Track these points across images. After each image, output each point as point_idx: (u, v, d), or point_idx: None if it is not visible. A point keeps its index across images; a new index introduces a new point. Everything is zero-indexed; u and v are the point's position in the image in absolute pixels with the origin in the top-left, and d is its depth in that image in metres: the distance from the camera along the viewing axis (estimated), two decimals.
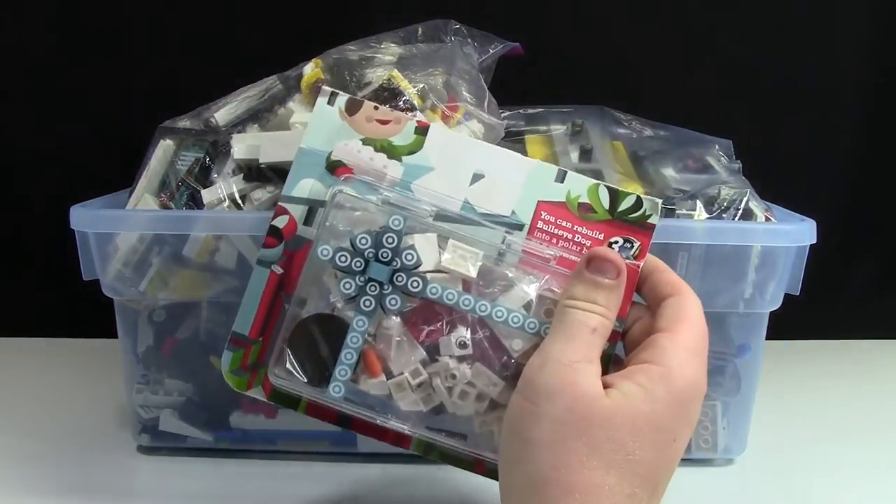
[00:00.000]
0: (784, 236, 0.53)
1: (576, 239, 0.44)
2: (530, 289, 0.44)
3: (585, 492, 0.36)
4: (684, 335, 0.40)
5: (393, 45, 0.60)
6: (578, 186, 0.45)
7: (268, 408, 0.57)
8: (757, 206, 0.58)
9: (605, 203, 0.44)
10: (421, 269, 0.43)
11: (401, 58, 0.58)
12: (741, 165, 0.63)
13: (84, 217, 0.54)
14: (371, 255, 0.43)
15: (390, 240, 0.43)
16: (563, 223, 0.44)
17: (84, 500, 0.54)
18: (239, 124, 0.58)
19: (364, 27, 0.61)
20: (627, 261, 0.43)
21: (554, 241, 0.44)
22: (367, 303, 0.43)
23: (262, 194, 0.55)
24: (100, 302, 0.57)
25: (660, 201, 0.44)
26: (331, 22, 0.79)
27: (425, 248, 0.44)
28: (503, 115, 0.58)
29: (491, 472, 0.45)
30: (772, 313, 0.57)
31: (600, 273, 0.41)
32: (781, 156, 0.83)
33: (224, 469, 0.57)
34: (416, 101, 0.53)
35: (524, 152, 0.62)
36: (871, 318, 0.88)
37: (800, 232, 0.53)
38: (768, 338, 0.58)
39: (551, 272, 0.44)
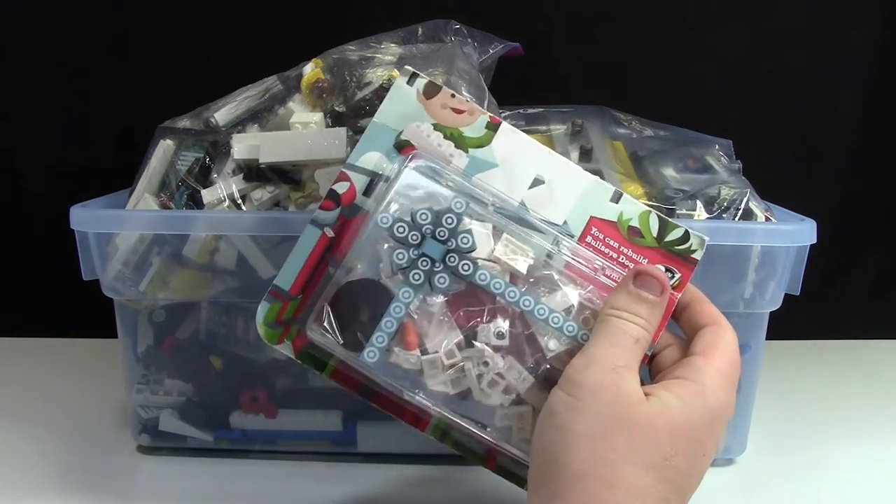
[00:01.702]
0: (784, 236, 0.53)
1: (620, 259, 0.45)
2: (573, 295, 0.44)
3: (627, 489, 0.37)
4: (718, 359, 0.42)
5: (393, 45, 0.60)
6: (631, 209, 0.46)
7: (268, 408, 0.57)
8: (757, 206, 0.58)
9: (654, 231, 0.45)
10: (474, 254, 0.44)
11: (401, 58, 0.58)
12: (741, 165, 0.63)
13: (84, 217, 0.54)
14: (429, 231, 0.44)
15: (450, 220, 0.44)
16: (611, 242, 0.45)
17: (84, 500, 0.54)
18: (239, 124, 0.58)
19: (364, 27, 0.61)
20: None
21: (599, 256, 0.45)
22: (417, 276, 0.44)
23: (262, 194, 0.55)
24: (100, 302, 0.57)
25: (707, 238, 0.45)
26: (331, 22, 0.79)
27: (480, 237, 0.44)
28: (503, 115, 0.58)
29: (501, 469, 0.46)
30: (772, 313, 0.57)
31: (646, 288, 0.42)
32: (781, 156, 0.83)
33: (224, 469, 0.57)
34: None
35: None
36: (871, 318, 0.88)
37: (800, 232, 0.53)
38: (768, 338, 0.58)
39: (596, 283, 0.45)
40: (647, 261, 0.45)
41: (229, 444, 0.59)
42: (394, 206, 0.45)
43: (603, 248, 0.45)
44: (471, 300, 0.44)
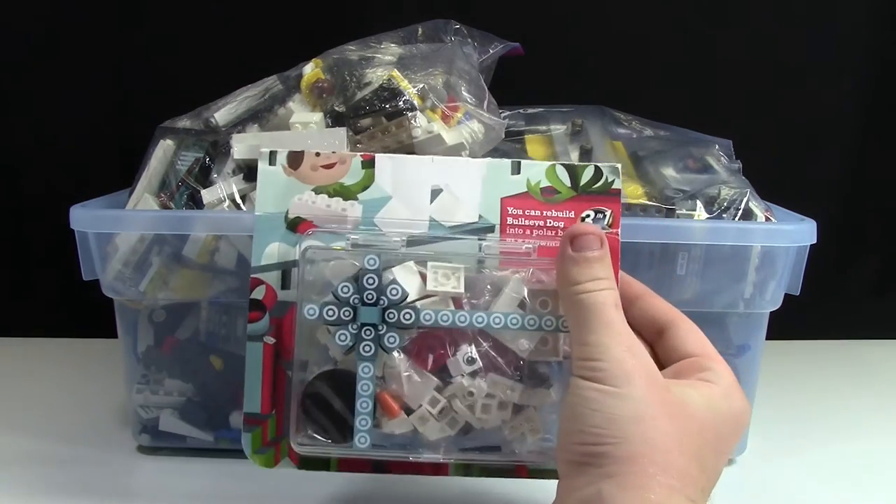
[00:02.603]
0: (784, 236, 0.53)
1: (548, 224, 0.44)
2: (519, 286, 0.44)
3: (679, 474, 0.36)
4: (725, 366, 0.42)
5: (393, 45, 0.60)
6: (536, 172, 0.45)
7: None
8: (757, 206, 0.58)
9: (566, 181, 0.45)
10: (408, 299, 0.43)
11: (401, 58, 0.58)
12: (741, 165, 0.63)
13: (84, 217, 0.54)
14: (357, 301, 0.43)
15: (371, 281, 0.43)
16: (532, 212, 0.45)
17: (84, 500, 0.54)
18: (239, 124, 0.58)
19: (364, 27, 0.61)
20: (604, 230, 0.44)
21: (528, 232, 0.44)
22: (367, 348, 0.43)
23: None
24: (100, 302, 0.57)
25: (619, 165, 0.45)
26: (331, 22, 0.79)
27: (407, 278, 0.44)
28: (503, 115, 0.58)
29: (533, 472, 0.45)
30: (772, 313, 0.57)
31: (586, 249, 0.41)
32: (781, 156, 0.83)
33: (224, 469, 0.57)
34: (416, 101, 0.53)
35: (524, 152, 0.62)
36: (871, 318, 0.88)
37: (800, 232, 0.53)
38: (768, 338, 0.58)
39: (534, 264, 0.44)
40: (573, 213, 0.44)
41: (229, 444, 0.59)
42: (312, 292, 0.44)
43: (526, 223, 0.44)
44: (429, 342, 0.44)
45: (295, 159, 0.45)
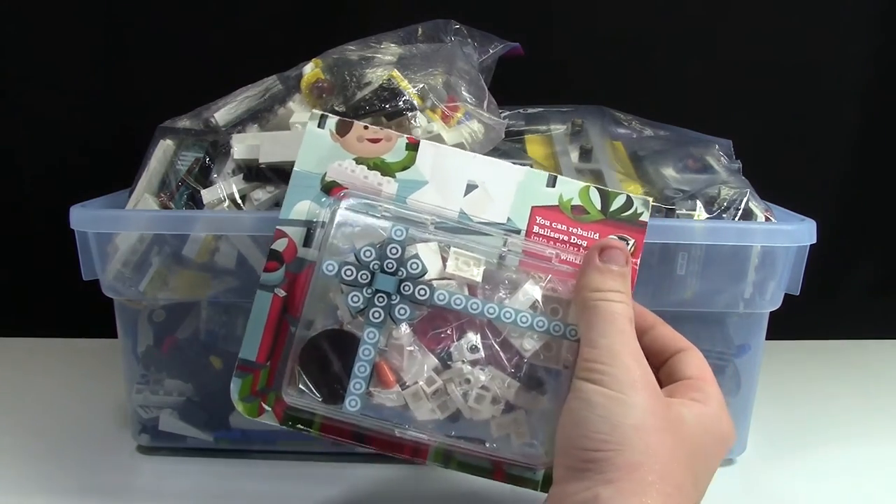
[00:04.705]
0: (784, 236, 0.53)
1: (572, 240, 0.45)
2: (535, 289, 0.44)
3: (677, 486, 0.37)
4: (718, 390, 0.43)
5: (393, 45, 0.60)
6: (570, 189, 0.46)
7: None
8: (757, 206, 0.58)
9: (597, 204, 0.46)
10: (426, 277, 0.44)
11: (401, 58, 0.58)
12: (741, 165, 0.63)
13: (84, 217, 0.54)
14: (376, 266, 0.43)
15: (394, 250, 0.43)
16: (559, 226, 0.45)
17: (84, 500, 0.54)
18: (239, 124, 0.58)
19: (364, 27, 0.61)
20: None
21: (551, 244, 0.45)
22: (377, 314, 0.43)
23: (262, 194, 0.55)
24: (100, 302, 0.57)
25: (650, 199, 0.46)
26: (331, 22, 0.79)
27: (428, 257, 0.44)
28: (503, 115, 0.58)
29: (510, 477, 0.45)
30: (772, 313, 0.57)
31: (613, 261, 0.43)
32: (781, 156, 0.83)
33: (224, 469, 0.57)
34: (416, 101, 0.53)
35: (524, 152, 0.62)
36: (871, 318, 0.88)
37: (800, 232, 0.53)
38: (768, 338, 0.58)
39: (553, 271, 0.45)
40: (598, 235, 0.45)
41: (229, 444, 0.59)
42: (336, 252, 0.44)
43: (552, 234, 0.45)
44: (436, 322, 0.44)
45: (343, 126, 0.46)
